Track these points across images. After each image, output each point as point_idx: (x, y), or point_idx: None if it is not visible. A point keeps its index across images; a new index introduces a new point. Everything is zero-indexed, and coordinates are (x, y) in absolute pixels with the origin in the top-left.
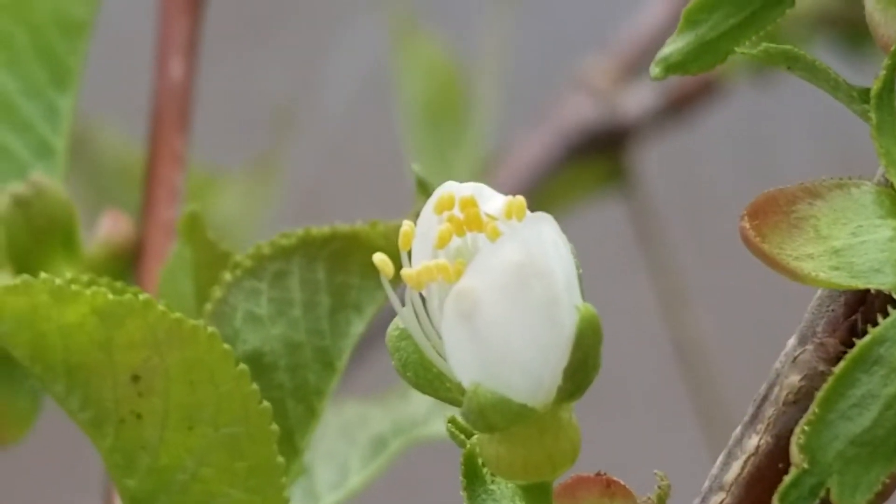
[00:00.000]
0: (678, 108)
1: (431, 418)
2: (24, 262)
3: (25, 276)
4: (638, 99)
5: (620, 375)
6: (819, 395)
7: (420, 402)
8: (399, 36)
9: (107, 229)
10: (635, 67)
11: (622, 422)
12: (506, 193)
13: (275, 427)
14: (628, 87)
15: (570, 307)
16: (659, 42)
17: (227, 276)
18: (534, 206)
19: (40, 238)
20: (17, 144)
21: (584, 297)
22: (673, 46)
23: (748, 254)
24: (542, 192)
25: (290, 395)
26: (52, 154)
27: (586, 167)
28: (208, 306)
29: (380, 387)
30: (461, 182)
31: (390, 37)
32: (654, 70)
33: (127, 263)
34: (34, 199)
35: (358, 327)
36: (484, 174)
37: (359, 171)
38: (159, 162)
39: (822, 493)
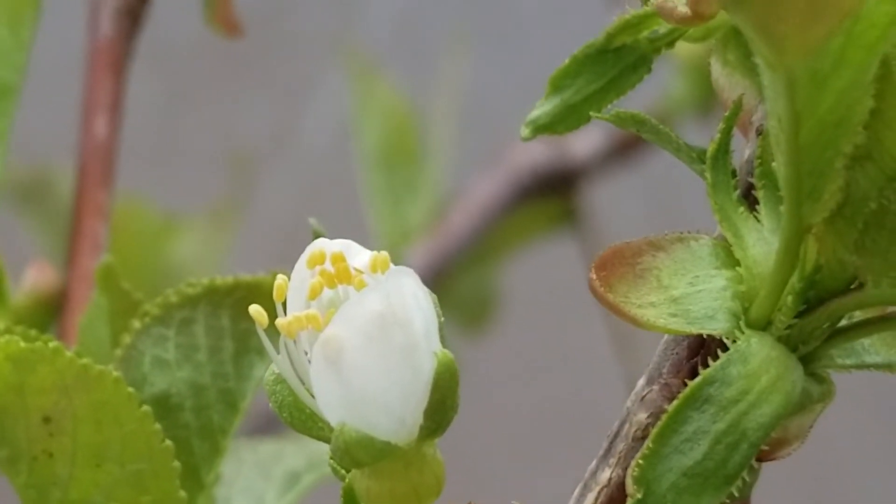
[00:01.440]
0: (624, 150)
1: None
2: None
3: None
4: (587, 142)
5: (579, 413)
6: (654, 430)
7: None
8: (358, 81)
9: (32, 279)
10: None
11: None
12: (461, 233)
13: (177, 464)
14: (577, 131)
15: (428, 353)
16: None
17: (136, 323)
18: (488, 246)
19: None
20: None
21: (449, 344)
22: (541, 110)
23: None
24: (496, 233)
25: (196, 433)
26: None
27: (538, 208)
28: (118, 352)
29: None
30: (413, 223)
31: (350, 82)
32: (524, 131)
33: (52, 312)
34: None
35: (260, 370)
36: (438, 215)
37: (335, 212)
38: (84, 215)
39: None
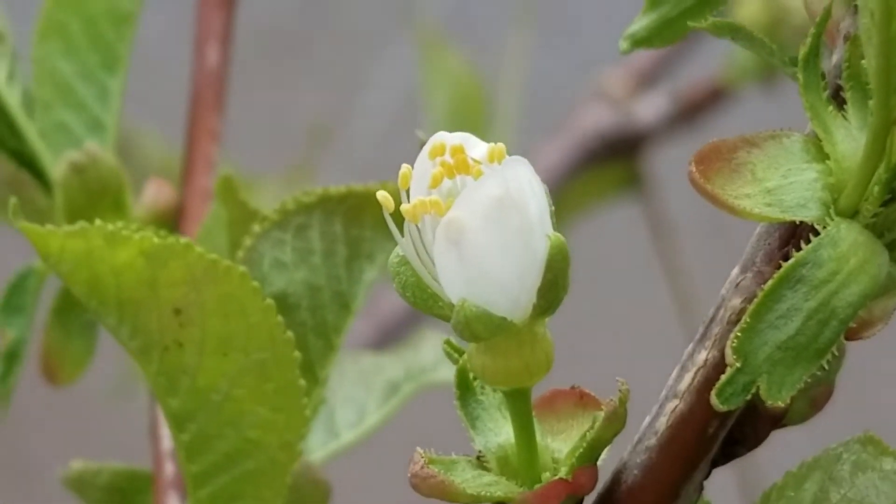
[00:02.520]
0: (690, 114)
1: (438, 366)
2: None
3: (83, 223)
4: (652, 106)
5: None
6: (750, 308)
7: (429, 352)
8: (427, 53)
9: (151, 195)
10: (649, 79)
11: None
12: None
13: (297, 354)
14: (643, 96)
15: (542, 236)
16: (670, 56)
17: (256, 227)
18: (555, 210)
19: (94, 200)
20: (73, 121)
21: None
22: (638, 24)
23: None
24: (562, 197)
25: (311, 331)
26: (104, 129)
27: (603, 172)
28: (240, 253)
29: None
30: None
31: (419, 54)
32: (622, 44)
33: (170, 225)
34: (89, 165)
35: (370, 274)
36: None
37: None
38: (197, 137)
39: (753, 391)
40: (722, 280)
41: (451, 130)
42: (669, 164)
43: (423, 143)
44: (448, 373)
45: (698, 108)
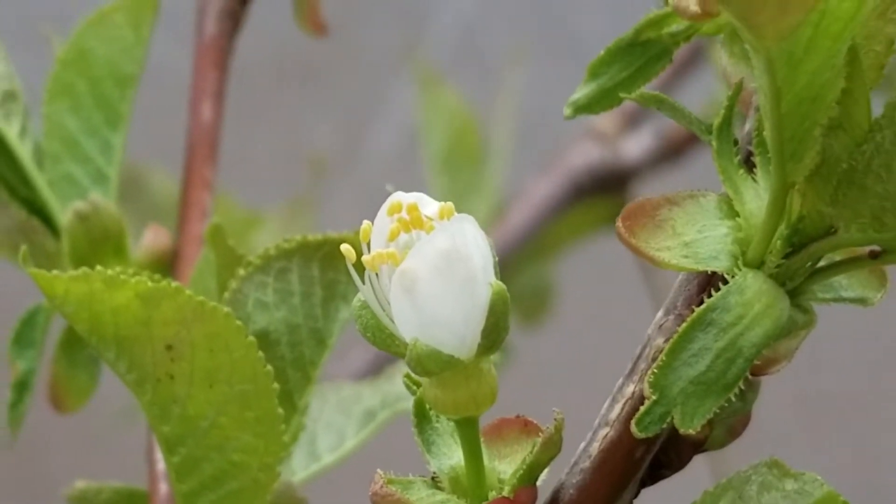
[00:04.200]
0: (674, 151)
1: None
2: (83, 266)
3: (84, 268)
4: (639, 143)
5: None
6: (666, 347)
7: (402, 383)
8: (425, 90)
9: (149, 240)
10: (636, 118)
11: None
12: (520, 230)
13: (276, 385)
14: (630, 134)
15: (485, 284)
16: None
17: (241, 271)
18: (545, 243)
19: (96, 246)
20: (78, 173)
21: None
22: (580, 93)
23: None
24: (552, 230)
25: (290, 364)
26: (107, 181)
27: (593, 207)
28: (226, 295)
29: None
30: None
31: (418, 90)
32: (566, 111)
33: (166, 268)
34: (92, 214)
35: (345, 313)
36: (499, 214)
37: None
38: (192, 187)
39: (668, 420)
40: None
41: (448, 165)
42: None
43: (390, 194)
44: None
45: (682, 145)
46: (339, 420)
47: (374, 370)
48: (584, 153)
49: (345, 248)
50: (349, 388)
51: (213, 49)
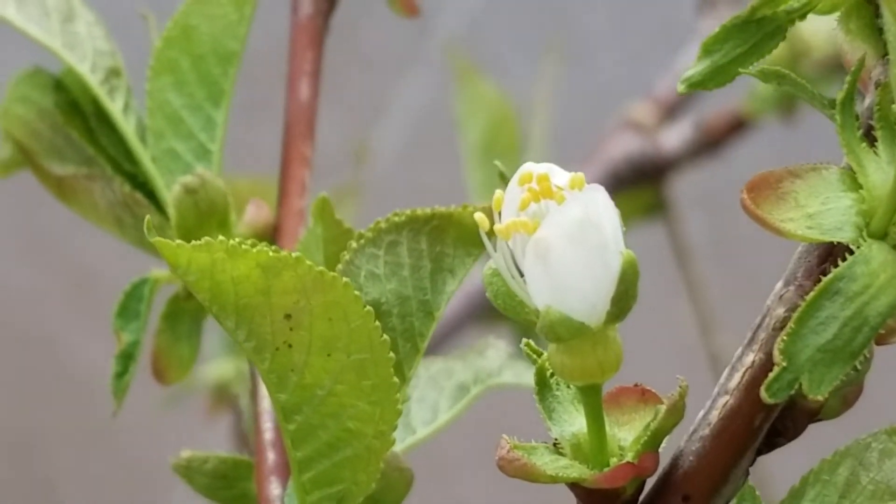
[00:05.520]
0: (714, 142)
1: (503, 370)
2: (190, 238)
3: (207, 238)
4: (678, 134)
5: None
6: (794, 315)
7: (494, 358)
8: (461, 80)
9: (252, 214)
10: (675, 110)
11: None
12: None
13: (392, 355)
14: (669, 125)
15: (616, 252)
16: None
17: (353, 243)
18: None
19: (203, 218)
20: (181, 148)
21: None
22: (694, 70)
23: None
24: None
25: (400, 335)
26: (210, 156)
27: (631, 197)
28: (339, 266)
29: None
30: None
31: (454, 81)
32: (680, 87)
33: (268, 242)
34: (199, 187)
35: (452, 286)
36: None
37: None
38: (291, 163)
39: (796, 387)
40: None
41: (485, 157)
42: (693, 189)
43: (500, 172)
44: (510, 376)
45: (721, 136)
46: (432, 395)
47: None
48: (624, 144)
49: (478, 216)
50: (439, 363)
51: (310, 28)
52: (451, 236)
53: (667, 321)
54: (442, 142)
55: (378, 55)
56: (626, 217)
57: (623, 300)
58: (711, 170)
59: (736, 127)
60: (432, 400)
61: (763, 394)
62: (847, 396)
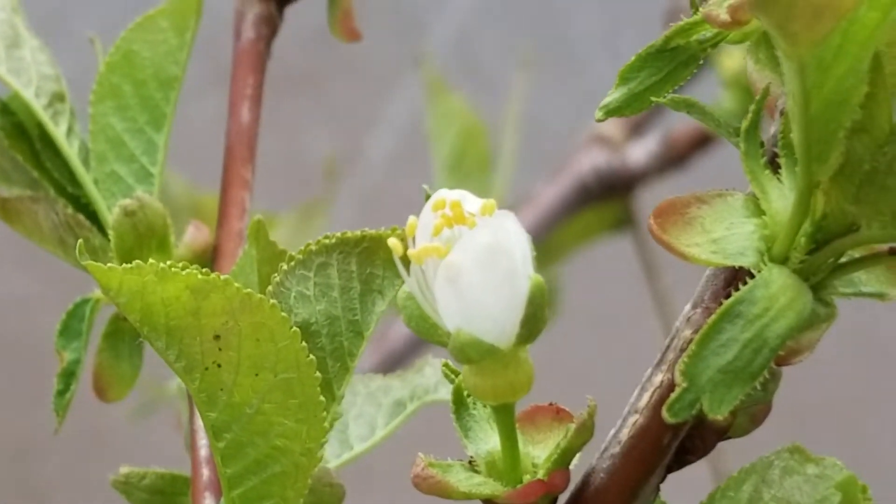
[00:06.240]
0: (679, 156)
1: (439, 387)
2: (129, 260)
3: (138, 262)
4: (645, 149)
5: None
6: (696, 336)
7: (431, 375)
8: (432, 95)
9: (191, 236)
10: (641, 125)
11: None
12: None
13: (318, 374)
14: (636, 140)
15: (525, 276)
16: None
17: (284, 265)
18: (552, 245)
19: (142, 241)
20: (124, 171)
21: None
22: (611, 97)
23: None
24: (559, 233)
25: (330, 355)
26: (151, 179)
27: (599, 211)
28: (270, 288)
29: None
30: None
31: (425, 96)
32: (598, 114)
33: (206, 264)
34: (138, 210)
35: (381, 307)
36: None
37: (398, 217)
38: (231, 185)
39: (697, 407)
40: None
41: (456, 170)
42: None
43: (427, 194)
44: (446, 393)
45: (686, 151)
46: (370, 411)
47: (385, 369)
48: (592, 158)
49: (392, 241)
50: (378, 381)
51: (251, 53)
52: (381, 258)
53: (635, 334)
54: (425, 153)
55: (368, 65)
56: (596, 231)
57: (532, 322)
58: (678, 184)
59: (701, 142)
60: (370, 416)
61: (665, 413)
62: (755, 415)
